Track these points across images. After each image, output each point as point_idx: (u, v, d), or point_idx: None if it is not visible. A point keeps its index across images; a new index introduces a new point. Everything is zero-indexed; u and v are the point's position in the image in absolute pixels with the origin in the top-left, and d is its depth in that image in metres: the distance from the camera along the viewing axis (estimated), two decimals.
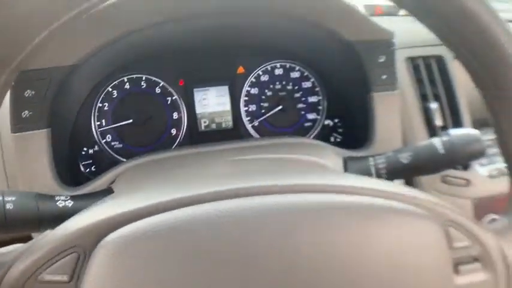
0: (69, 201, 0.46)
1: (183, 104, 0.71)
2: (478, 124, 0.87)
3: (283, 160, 0.52)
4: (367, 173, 0.53)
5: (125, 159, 0.69)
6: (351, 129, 0.74)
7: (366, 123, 0.65)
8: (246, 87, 0.73)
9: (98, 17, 0.53)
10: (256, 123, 0.73)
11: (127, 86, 0.70)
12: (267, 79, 0.73)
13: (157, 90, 0.71)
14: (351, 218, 0.30)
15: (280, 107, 0.73)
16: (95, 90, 0.68)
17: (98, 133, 0.69)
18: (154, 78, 0.70)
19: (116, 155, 0.70)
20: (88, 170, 0.69)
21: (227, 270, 0.27)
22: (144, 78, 0.70)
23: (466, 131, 0.49)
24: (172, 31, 0.63)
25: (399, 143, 0.65)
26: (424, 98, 0.72)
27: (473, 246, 0.33)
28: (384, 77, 0.63)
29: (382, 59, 0.62)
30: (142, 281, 0.27)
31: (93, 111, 0.68)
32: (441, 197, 0.71)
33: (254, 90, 0.73)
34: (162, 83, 0.70)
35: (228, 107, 0.72)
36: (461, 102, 0.72)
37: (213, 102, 0.72)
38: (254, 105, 0.73)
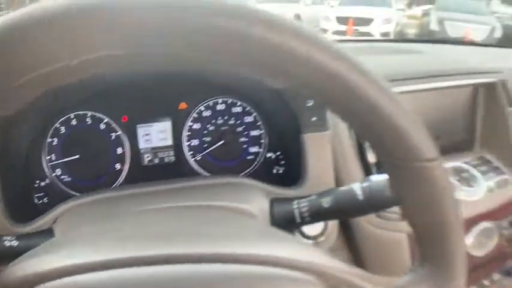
0: (14, 241, 0.49)
1: (127, 140, 0.73)
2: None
3: (209, 209, 0.54)
4: (291, 216, 0.55)
5: (74, 192, 0.72)
6: (290, 163, 0.76)
7: (299, 161, 0.67)
8: (188, 123, 0.74)
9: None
10: (199, 157, 0.75)
11: (73, 122, 0.72)
12: (209, 114, 0.75)
13: (102, 126, 0.73)
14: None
15: (222, 142, 0.75)
16: (44, 127, 0.70)
17: (49, 167, 0.71)
18: (98, 115, 0.72)
19: (65, 188, 0.72)
20: (41, 201, 0.72)
21: None
22: (89, 115, 0.72)
23: (385, 177, 0.49)
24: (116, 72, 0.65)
25: (332, 182, 0.67)
26: (358, 136, 0.74)
27: None
28: (314, 119, 0.65)
29: (310, 103, 0.64)
30: None
31: (43, 146, 0.71)
32: (376, 231, 0.74)
33: (196, 125, 0.75)
34: (106, 119, 0.72)
35: (170, 142, 0.74)
36: None
37: (156, 138, 0.74)
38: (197, 140, 0.75)
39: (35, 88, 0.28)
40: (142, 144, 0.74)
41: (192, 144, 0.75)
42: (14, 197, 0.60)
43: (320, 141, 0.66)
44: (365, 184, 0.50)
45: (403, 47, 1.12)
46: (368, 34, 8.93)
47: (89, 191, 0.64)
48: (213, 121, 0.75)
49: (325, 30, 9.48)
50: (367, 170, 0.73)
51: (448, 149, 0.91)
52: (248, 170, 0.76)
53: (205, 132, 0.75)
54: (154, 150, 0.74)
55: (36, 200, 0.71)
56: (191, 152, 0.75)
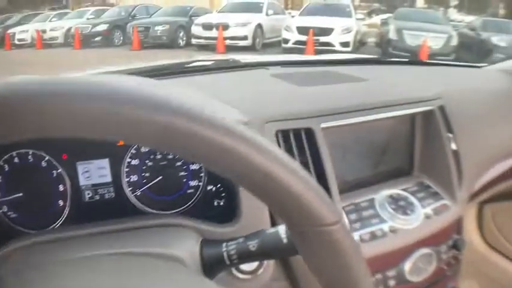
0: None
1: (67, 177, 0.74)
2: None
3: (140, 257, 0.57)
4: (221, 258, 0.58)
5: (22, 228, 0.72)
6: (230, 196, 0.78)
7: (234, 198, 0.70)
8: (126, 159, 0.76)
9: None
10: (138, 192, 0.77)
11: (16, 160, 0.72)
12: (147, 150, 0.77)
13: (43, 164, 0.73)
14: None
15: (160, 177, 0.77)
16: None
17: None
18: (39, 153, 0.73)
19: (13, 225, 0.72)
20: None
21: None
22: (30, 153, 0.73)
23: None
24: None
25: (267, 218, 0.71)
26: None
27: None
28: None
29: None
30: None
31: None
32: None
33: (135, 161, 0.76)
34: (47, 157, 0.73)
35: (109, 178, 0.75)
36: (328, 171, 0.78)
37: (95, 175, 0.75)
38: (135, 176, 0.77)
39: None
40: (82, 181, 0.75)
41: (131, 180, 0.76)
42: None
43: None
44: None
45: (346, 73, 1.15)
46: (329, 44, 9.17)
47: (34, 227, 0.65)
48: (152, 156, 0.77)
49: (286, 41, 9.66)
50: None
51: (387, 175, 0.93)
52: (189, 203, 0.78)
53: (144, 167, 0.77)
54: (95, 187, 0.75)
55: None
56: (130, 188, 0.76)
